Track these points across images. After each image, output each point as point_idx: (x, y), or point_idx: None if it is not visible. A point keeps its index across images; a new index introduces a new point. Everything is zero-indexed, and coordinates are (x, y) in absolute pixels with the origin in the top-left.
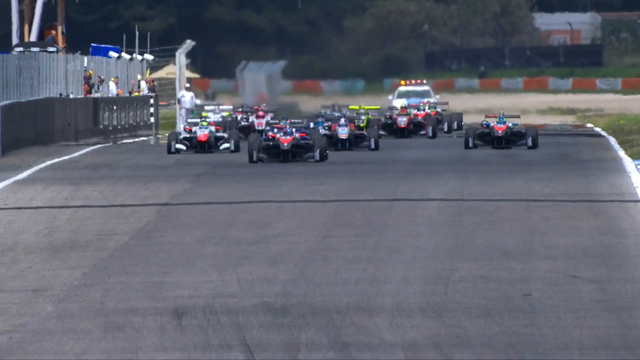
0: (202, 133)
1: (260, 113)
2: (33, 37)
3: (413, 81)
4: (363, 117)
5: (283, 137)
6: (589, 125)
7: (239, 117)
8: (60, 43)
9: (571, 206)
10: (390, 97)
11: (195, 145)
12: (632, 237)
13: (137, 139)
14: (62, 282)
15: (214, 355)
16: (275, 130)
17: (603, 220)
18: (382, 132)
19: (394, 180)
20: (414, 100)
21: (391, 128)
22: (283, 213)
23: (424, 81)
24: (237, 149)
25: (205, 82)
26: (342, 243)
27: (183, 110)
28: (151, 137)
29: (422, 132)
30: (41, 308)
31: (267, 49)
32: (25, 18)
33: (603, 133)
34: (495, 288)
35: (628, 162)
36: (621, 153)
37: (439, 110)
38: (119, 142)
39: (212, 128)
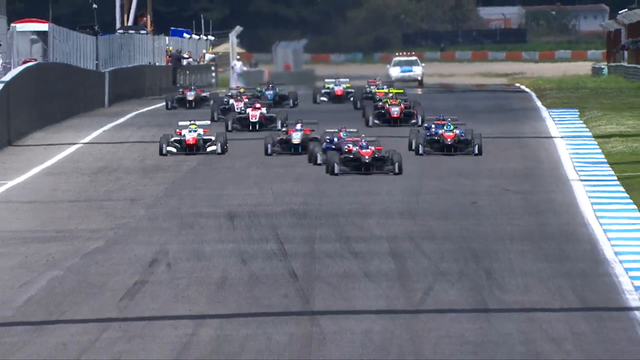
0: (190, 137)
1: (258, 105)
2: (130, 23)
3: (405, 53)
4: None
5: (363, 150)
6: (517, 84)
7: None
8: (149, 27)
9: (505, 141)
10: (388, 65)
11: (185, 148)
12: (546, 162)
13: (203, 93)
14: (151, 194)
15: (256, 245)
16: (351, 144)
17: (526, 151)
18: (376, 121)
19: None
20: (406, 70)
21: (384, 117)
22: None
23: (412, 53)
24: (223, 151)
25: (249, 55)
26: None
27: (235, 74)
28: (213, 92)
29: (413, 121)
30: (136, 212)
31: (293, 32)
32: (125, 8)
33: (526, 90)
34: (452, 198)
35: (544, 110)
36: (539, 103)
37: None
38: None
39: (201, 131)
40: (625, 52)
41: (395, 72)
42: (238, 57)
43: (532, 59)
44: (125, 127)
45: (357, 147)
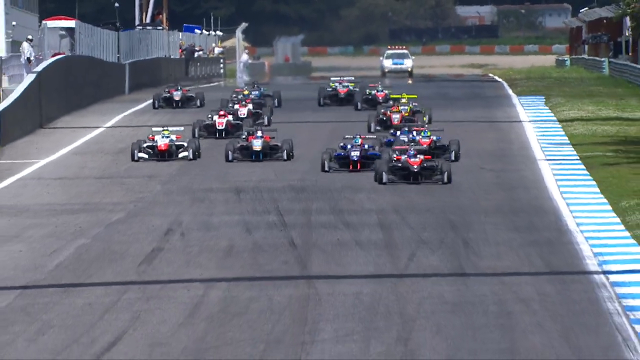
0: (162, 142)
1: (222, 112)
2: (148, 20)
3: (397, 47)
4: (406, 107)
5: (412, 159)
6: (490, 75)
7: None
8: (164, 23)
9: (480, 125)
10: (381, 58)
11: (157, 154)
12: (516, 143)
13: (212, 84)
14: (166, 172)
15: (259, 217)
16: (397, 152)
17: (499, 134)
18: (378, 128)
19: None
20: (398, 62)
21: (386, 124)
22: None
23: (404, 47)
24: (194, 157)
25: (253, 49)
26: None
27: (241, 64)
28: (221, 82)
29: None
30: (153, 187)
31: (292, 28)
32: (143, 7)
33: (499, 79)
34: None
35: (514, 97)
36: (510, 91)
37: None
38: (201, 86)
39: (173, 137)
40: (586, 46)
41: (388, 63)
42: (246, 50)
43: (503, 52)
44: (144, 113)
45: (406, 156)
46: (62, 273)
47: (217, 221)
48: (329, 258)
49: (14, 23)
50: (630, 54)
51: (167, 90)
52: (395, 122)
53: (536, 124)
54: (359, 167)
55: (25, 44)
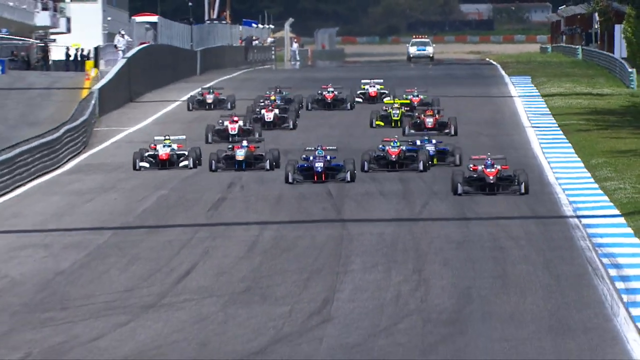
0: (163, 152)
1: (235, 118)
2: (214, 16)
3: (421, 36)
4: (397, 112)
5: (488, 170)
6: (487, 59)
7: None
8: (228, 19)
9: (478, 99)
10: (407, 45)
11: (158, 163)
12: (507, 114)
13: (265, 66)
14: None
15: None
16: (473, 163)
17: (494, 106)
18: (412, 131)
19: None
20: (421, 49)
21: (419, 127)
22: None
23: (426, 37)
24: (195, 165)
25: (299, 38)
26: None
27: (291, 51)
28: (272, 65)
29: (447, 131)
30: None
31: (329, 21)
32: (211, 5)
33: (494, 63)
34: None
35: (506, 77)
36: (502, 72)
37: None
38: (257, 68)
39: (175, 146)
40: (564, 37)
41: (413, 50)
42: (295, 40)
43: (497, 42)
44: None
45: (482, 166)
46: (147, 216)
47: (269, 177)
48: (359, 205)
49: (109, 18)
50: (598, 42)
51: (200, 93)
52: (429, 126)
53: (524, 99)
54: (323, 178)
55: (117, 36)
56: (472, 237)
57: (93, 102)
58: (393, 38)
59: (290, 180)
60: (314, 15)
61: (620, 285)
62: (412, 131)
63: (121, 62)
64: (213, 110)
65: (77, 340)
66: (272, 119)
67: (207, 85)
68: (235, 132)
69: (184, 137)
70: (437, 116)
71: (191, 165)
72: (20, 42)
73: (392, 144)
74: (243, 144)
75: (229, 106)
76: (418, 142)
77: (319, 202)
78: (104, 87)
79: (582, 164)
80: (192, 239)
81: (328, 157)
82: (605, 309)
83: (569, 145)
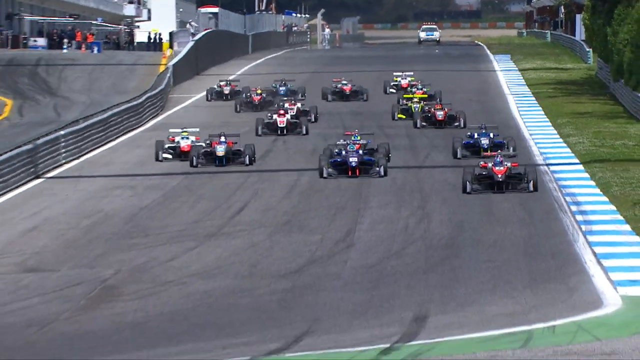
0: (185, 144)
1: (282, 111)
2: (263, 7)
3: (429, 23)
4: (417, 106)
5: (497, 168)
6: (476, 41)
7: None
8: (273, 10)
9: (469, 74)
10: (418, 31)
11: (179, 154)
12: (492, 84)
13: (303, 47)
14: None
15: (332, 130)
16: (487, 162)
17: (481, 78)
18: (423, 124)
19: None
20: (429, 34)
21: (430, 120)
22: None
23: (434, 23)
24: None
25: (329, 25)
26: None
27: (323, 35)
28: (307, 47)
29: (456, 124)
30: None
31: (352, 11)
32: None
33: (481, 44)
34: None
35: (491, 56)
36: (488, 52)
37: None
38: (296, 49)
39: (193, 138)
40: (536, 24)
41: (423, 35)
42: (327, 26)
43: (484, 28)
44: (261, 65)
45: (491, 164)
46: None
47: (305, 137)
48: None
49: (180, 10)
50: (563, 28)
51: (219, 85)
52: (440, 119)
53: (504, 72)
54: (357, 173)
55: (188, 25)
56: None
57: (168, 75)
58: (402, 25)
59: (325, 175)
60: (340, 6)
61: (579, 217)
62: (424, 124)
63: (190, 44)
64: (228, 101)
65: (156, 260)
66: (285, 124)
67: (259, 62)
68: (284, 125)
69: (197, 129)
70: (446, 109)
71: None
72: (112, 28)
73: (352, 138)
74: (221, 140)
75: (244, 96)
76: (476, 135)
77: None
78: (176, 64)
79: (549, 123)
80: (245, 183)
81: (360, 152)
82: (568, 237)
83: (540, 108)
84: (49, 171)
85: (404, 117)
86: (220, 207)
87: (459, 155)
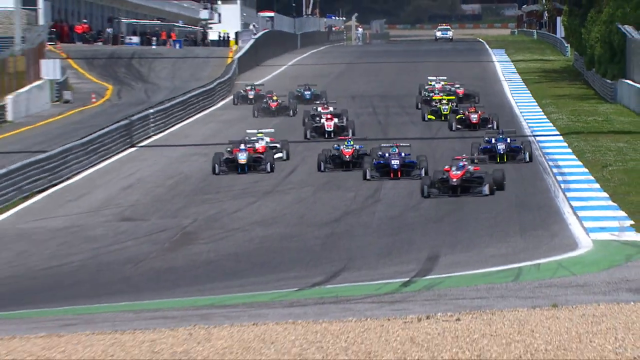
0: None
1: (329, 116)
2: (309, 12)
3: (444, 24)
4: (446, 107)
5: (454, 172)
6: (478, 39)
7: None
8: (318, 14)
9: (470, 64)
10: (435, 30)
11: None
12: (490, 72)
13: (340, 44)
14: (321, 88)
15: (363, 109)
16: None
17: (482, 67)
18: (459, 126)
19: None
20: (444, 33)
21: (465, 123)
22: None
23: (448, 24)
24: (288, 157)
25: (361, 26)
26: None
27: (356, 34)
28: (344, 43)
29: (489, 126)
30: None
31: (379, 15)
32: (307, 5)
33: (482, 41)
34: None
35: (490, 50)
36: (487, 47)
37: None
38: (334, 45)
39: (267, 139)
40: (525, 24)
41: (438, 34)
42: (360, 27)
43: (484, 28)
44: (308, 57)
45: (454, 168)
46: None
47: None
48: (397, 129)
49: (244, 14)
50: (546, 28)
51: (244, 90)
52: (474, 122)
53: (500, 63)
54: (399, 175)
55: (250, 26)
56: (467, 144)
57: (234, 66)
58: (419, 25)
59: (367, 177)
60: (370, 10)
61: (559, 178)
62: (459, 127)
63: (251, 41)
64: (252, 104)
65: (225, 212)
66: (332, 129)
67: (306, 55)
68: (332, 129)
69: (272, 130)
70: (480, 112)
71: (285, 157)
72: (190, 28)
73: (345, 143)
74: (241, 147)
75: (266, 100)
76: (493, 141)
77: (372, 127)
78: (241, 57)
79: (535, 103)
80: (294, 151)
81: (403, 154)
82: (550, 194)
83: (528, 91)
84: (141, 141)
85: (433, 118)
86: (275, 170)
87: (475, 161)
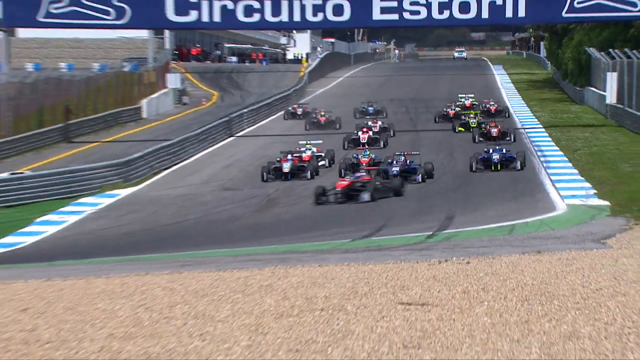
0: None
1: (365, 129)
2: (360, 38)
3: (460, 47)
4: (474, 120)
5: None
6: (484, 58)
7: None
8: (365, 39)
9: (477, 77)
10: (453, 52)
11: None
12: (491, 82)
13: (382, 61)
14: (361, 94)
15: (380, 96)
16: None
17: (485, 79)
18: (480, 139)
19: None
20: (460, 53)
21: (487, 136)
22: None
23: (462, 47)
24: (330, 164)
25: (398, 48)
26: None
27: (394, 54)
28: (384, 62)
29: (508, 139)
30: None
31: (411, 40)
32: (358, 33)
33: (486, 59)
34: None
35: (492, 66)
36: (490, 64)
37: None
38: (378, 62)
39: (314, 149)
40: (517, 47)
41: (456, 54)
42: (397, 49)
43: (487, 50)
44: (358, 71)
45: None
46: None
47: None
48: (423, 125)
49: (312, 40)
50: (533, 50)
51: (293, 107)
52: (494, 135)
53: (499, 75)
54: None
55: (317, 48)
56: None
57: (305, 77)
58: (440, 47)
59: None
60: (404, 37)
61: (542, 159)
62: (481, 139)
63: (318, 59)
64: (300, 120)
65: (297, 184)
66: (366, 140)
67: (357, 70)
68: (365, 141)
69: (320, 141)
70: (499, 127)
71: (327, 165)
72: (273, 50)
73: (362, 153)
74: (288, 157)
75: (314, 115)
76: (490, 151)
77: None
78: (310, 71)
79: (525, 104)
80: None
81: (408, 162)
82: (536, 171)
83: (519, 96)
84: (237, 132)
85: (463, 129)
86: (318, 175)
87: (473, 169)
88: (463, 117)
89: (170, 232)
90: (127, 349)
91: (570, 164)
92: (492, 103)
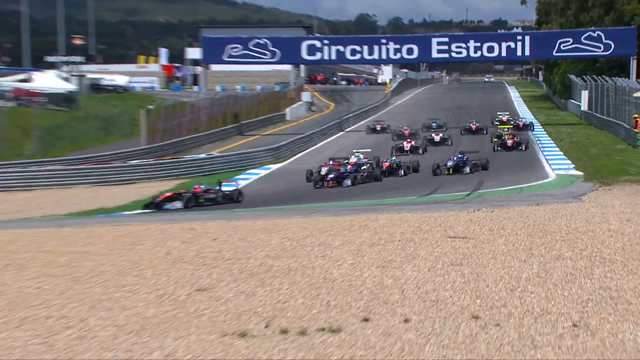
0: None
1: (409, 139)
2: (424, 69)
3: (489, 75)
4: (507, 134)
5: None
6: (502, 81)
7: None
8: (427, 69)
9: (498, 94)
10: (484, 77)
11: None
12: (507, 98)
13: (438, 84)
14: (417, 106)
15: (447, 115)
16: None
17: (503, 95)
18: (499, 148)
19: None
20: (489, 79)
21: (504, 145)
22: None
23: (491, 75)
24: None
25: (447, 75)
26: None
27: (445, 79)
28: (440, 84)
29: (520, 148)
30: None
31: (456, 70)
32: (421, 66)
33: (504, 82)
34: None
35: (508, 86)
36: (507, 85)
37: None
38: (435, 85)
39: (361, 156)
40: (524, 74)
41: (485, 79)
42: (447, 76)
43: (505, 76)
44: (423, 91)
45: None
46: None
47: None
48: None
49: (393, 70)
50: (534, 76)
51: (372, 123)
52: (510, 145)
53: (512, 92)
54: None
55: (397, 75)
56: (468, 91)
57: (388, 94)
58: (474, 74)
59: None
60: (452, 68)
61: (540, 146)
62: (499, 148)
63: (396, 82)
64: (377, 133)
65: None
66: (408, 148)
67: (422, 89)
68: (408, 149)
69: (369, 150)
70: (515, 139)
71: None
72: (368, 76)
73: (387, 158)
74: (330, 163)
75: (388, 130)
76: (454, 158)
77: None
78: (392, 90)
79: (529, 111)
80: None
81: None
82: (536, 153)
83: (525, 106)
84: (345, 129)
85: (497, 139)
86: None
87: (437, 173)
88: (499, 130)
89: (302, 191)
90: (276, 264)
91: (558, 149)
92: (521, 119)
